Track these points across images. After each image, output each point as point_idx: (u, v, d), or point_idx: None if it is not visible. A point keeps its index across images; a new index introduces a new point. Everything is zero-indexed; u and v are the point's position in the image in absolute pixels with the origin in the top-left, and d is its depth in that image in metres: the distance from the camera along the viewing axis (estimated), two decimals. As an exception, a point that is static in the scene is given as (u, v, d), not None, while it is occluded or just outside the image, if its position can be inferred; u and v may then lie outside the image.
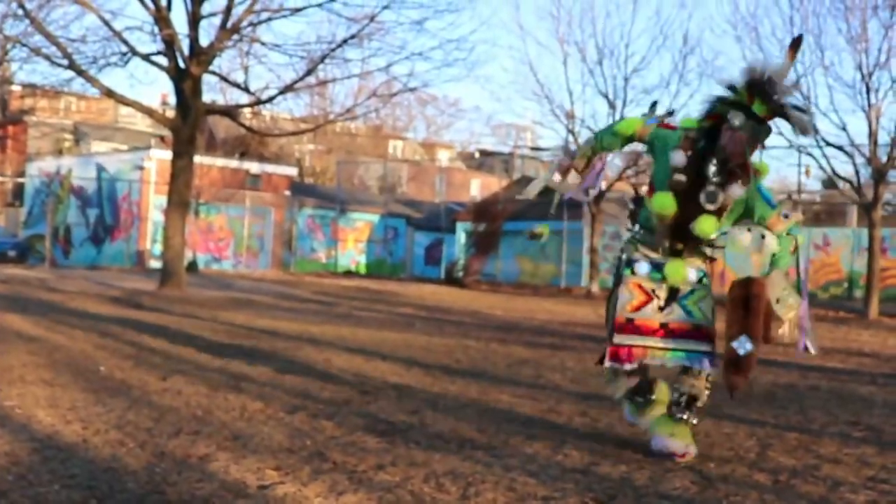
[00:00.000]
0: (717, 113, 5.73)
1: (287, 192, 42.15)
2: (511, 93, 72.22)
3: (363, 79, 27.40)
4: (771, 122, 5.72)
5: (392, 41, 31.23)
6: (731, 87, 5.71)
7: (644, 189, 6.10)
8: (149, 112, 25.39)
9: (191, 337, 12.15)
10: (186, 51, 22.17)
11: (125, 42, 22.18)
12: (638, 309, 5.87)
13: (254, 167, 42.19)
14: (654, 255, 5.98)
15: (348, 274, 39.76)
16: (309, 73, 23.73)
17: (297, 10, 22.97)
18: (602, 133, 6.45)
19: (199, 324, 14.13)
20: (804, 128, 5.76)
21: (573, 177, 6.42)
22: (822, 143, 24.45)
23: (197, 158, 26.19)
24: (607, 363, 5.89)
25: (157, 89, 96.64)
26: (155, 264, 33.42)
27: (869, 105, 23.64)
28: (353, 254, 43.85)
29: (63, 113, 53.34)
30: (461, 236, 38.62)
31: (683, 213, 5.75)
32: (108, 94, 22.95)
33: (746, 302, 5.73)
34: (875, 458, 5.91)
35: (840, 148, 24.75)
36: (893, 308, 24.95)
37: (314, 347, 11.43)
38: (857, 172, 24.64)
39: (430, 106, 65.11)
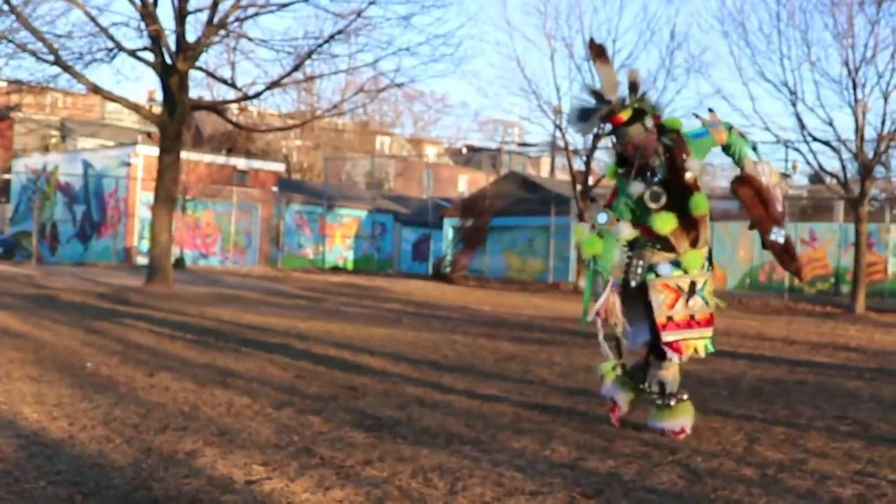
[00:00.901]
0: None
1: (274, 188, 42.07)
2: (498, 88, 72.44)
3: (350, 74, 27.42)
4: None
5: (379, 37, 31.36)
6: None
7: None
8: (135, 108, 25.30)
9: (178, 333, 12.13)
10: (173, 46, 22.11)
11: (111, 38, 22.11)
12: (672, 307, 6.27)
13: (241, 163, 42.09)
14: (669, 255, 6.36)
15: (336, 270, 39.71)
16: (296, 68, 23.68)
17: (284, 5, 22.92)
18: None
19: (187, 320, 14.11)
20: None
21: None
22: (808, 139, 24.52)
23: (184, 154, 26.15)
24: (678, 360, 6.28)
25: (143, 85, 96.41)
26: (142, 261, 33.31)
27: (855, 100, 23.70)
28: (340, 250, 43.78)
29: (49, 109, 53.17)
30: (448, 232, 38.60)
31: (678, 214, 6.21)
32: (95, 90, 22.86)
33: (760, 195, 6.23)
34: (862, 452, 5.92)
35: (827, 143, 24.80)
36: (880, 303, 25.05)
37: (301, 343, 11.42)
38: (843, 168, 24.71)
39: (418, 101, 65.30)
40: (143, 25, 21.98)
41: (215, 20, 22.01)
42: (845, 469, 5.43)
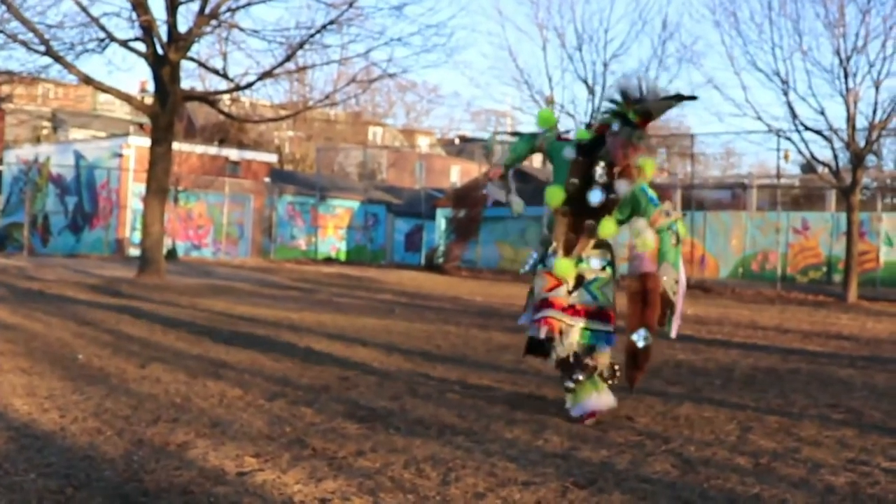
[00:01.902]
0: (604, 123, 6.56)
1: (267, 179, 42.03)
2: (490, 78, 72.34)
3: (342, 65, 27.28)
4: (645, 127, 6.43)
5: (371, 27, 31.24)
6: (614, 101, 6.46)
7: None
8: (127, 99, 25.20)
9: (170, 324, 12.11)
10: (165, 37, 22.04)
11: (103, 28, 22.03)
12: (551, 290, 6.52)
13: (233, 154, 42.03)
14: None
15: (328, 261, 39.67)
16: (288, 59, 23.61)
17: (276, -5, 22.87)
18: (518, 144, 7.22)
19: (179, 311, 14.08)
20: (665, 106, 6.54)
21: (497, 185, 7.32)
22: (800, 128, 24.53)
23: (176, 145, 26.11)
24: (544, 335, 6.43)
25: (135, 76, 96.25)
26: (134, 252, 33.27)
27: (847, 89, 23.69)
28: (333, 241, 43.74)
29: (41, 100, 53.07)
30: (441, 222, 38.58)
31: (577, 210, 6.55)
32: (86, 80, 22.79)
33: (644, 296, 6.43)
34: (854, 440, 5.93)
35: (818, 132, 24.79)
36: (872, 292, 25.08)
37: (294, 334, 11.41)
38: (835, 157, 24.71)
39: (410, 92, 65.13)
40: (134, 16, 21.89)
41: (207, 10, 21.95)
42: (838, 457, 5.43)
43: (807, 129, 24.57)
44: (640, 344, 6.33)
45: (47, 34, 21.70)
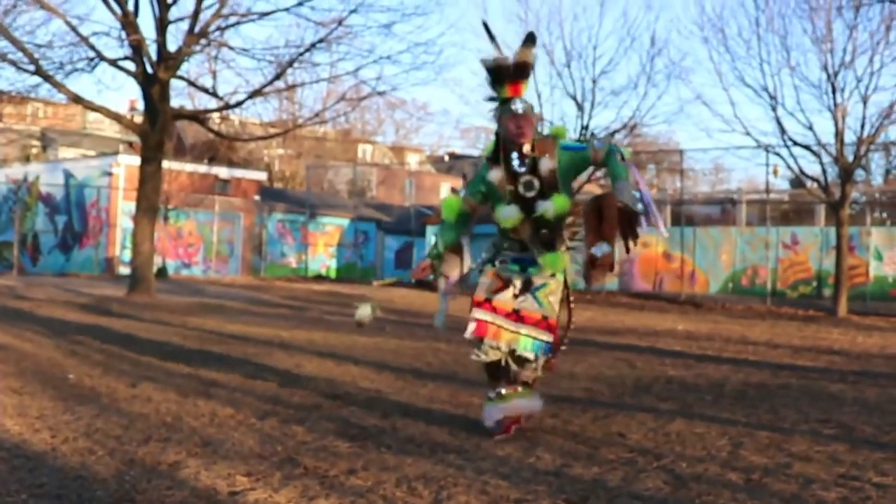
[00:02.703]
0: (498, 118, 6.45)
1: (256, 197, 42.01)
2: (480, 96, 72.19)
3: (332, 83, 27.38)
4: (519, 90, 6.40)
5: (360, 45, 31.38)
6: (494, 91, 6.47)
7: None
8: (116, 118, 25.25)
9: (160, 343, 12.09)
10: (154, 56, 22.09)
11: (92, 47, 22.07)
12: (496, 292, 6.43)
13: (223, 172, 42.00)
14: (517, 255, 6.56)
15: (319, 278, 39.62)
16: (277, 77, 23.68)
17: (265, 14, 22.93)
18: (443, 233, 6.93)
19: (169, 330, 14.06)
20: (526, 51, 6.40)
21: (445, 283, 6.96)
22: (789, 143, 24.63)
23: (165, 164, 26.08)
24: (469, 335, 6.42)
25: (124, 95, 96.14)
26: (124, 271, 33.18)
27: (835, 104, 23.79)
28: (323, 258, 43.69)
29: (30, 119, 52.91)
30: (431, 239, 38.47)
31: (526, 213, 6.38)
32: (76, 99, 22.82)
33: (599, 212, 6.25)
34: (846, 455, 5.93)
35: (807, 147, 24.91)
36: (862, 306, 25.11)
37: (285, 352, 11.40)
38: (824, 171, 24.82)
39: (399, 109, 65.22)
40: (124, 35, 21.94)
41: (196, 29, 22.01)
42: (830, 472, 5.44)
43: (795, 144, 24.69)
44: (598, 254, 6.12)
45: (37, 53, 21.75)
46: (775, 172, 31.77)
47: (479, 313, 6.39)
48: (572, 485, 5.05)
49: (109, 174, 38.06)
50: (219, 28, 22.74)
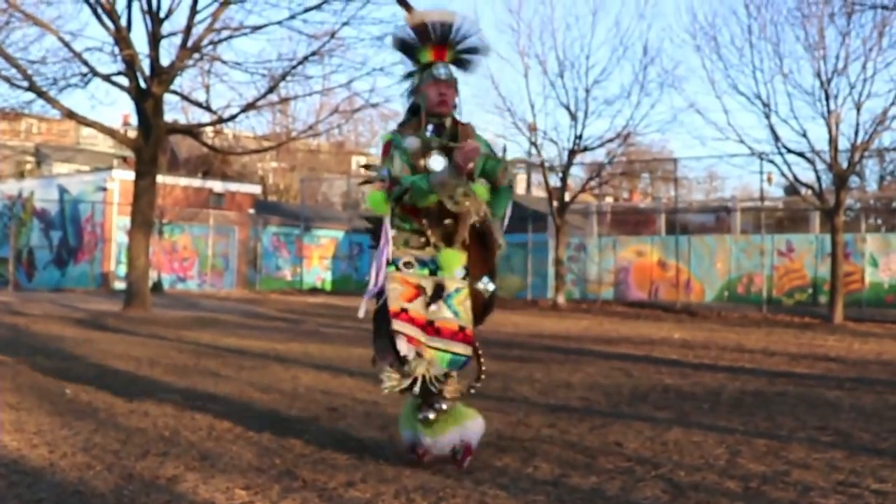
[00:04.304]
0: (416, 87, 5.87)
1: (251, 211, 42.02)
2: (473, 106, 72.10)
3: (325, 95, 27.44)
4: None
5: (353, 57, 31.34)
6: (409, 50, 5.87)
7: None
8: (110, 133, 25.28)
9: (157, 357, 12.08)
10: (147, 71, 22.11)
11: (85, 63, 22.11)
12: (410, 301, 5.62)
13: (217, 186, 42.04)
14: (417, 253, 5.74)
15: (314, 291, 39.64)
16: (270, 90, 23.70)
17: (258, 27, 22.96)
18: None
19: (165, 344, 14.05)
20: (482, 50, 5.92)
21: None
22: (783, 150, 24.69)
23: (159, 178, 26.10)
24: (406, 351, 5.52)
25: (118, 110, 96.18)
26: (119, 285, 33.18)
27: (828, 111, 23.87)
28: (318, 271, 43.68)
29: (24, 135, 53.00)
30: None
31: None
32: (70, 115, 22.85)
33: (483, 240, 5.85)
34: (844, 462, 5.93)
35: (801, 154, 25.00)
36: (858, 312, 25.15)
37: (281, 365, 11.39)
38: (818, 178, 24.89)
39: (393, 121, 65.08)
40: (117, 50, 21.98)
41: (189, 44, 22.04)
42: (828, 479, 5.44)
43: (789, 151, 24.79)
44: (490, 288, 5.84)
45: (30, 70, 21.79)
46: (769, 180, 31.94)
47: (401, 325, 5.55)
48: (570, 494, 5.05)
49: (104, 189, 38.06)
50: (211, 42, 22.79)
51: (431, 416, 5.60)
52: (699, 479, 5.42)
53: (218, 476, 5.37)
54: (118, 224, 36.12)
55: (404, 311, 5.56)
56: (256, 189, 46.14)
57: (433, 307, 5.64)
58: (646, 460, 5.94)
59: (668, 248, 31.34)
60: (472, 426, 5.73)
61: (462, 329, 5.69)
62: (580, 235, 34.26)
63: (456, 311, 5.68)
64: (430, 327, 5.61)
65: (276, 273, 42.24)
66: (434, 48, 5.80)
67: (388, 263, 5.68)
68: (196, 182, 41.86)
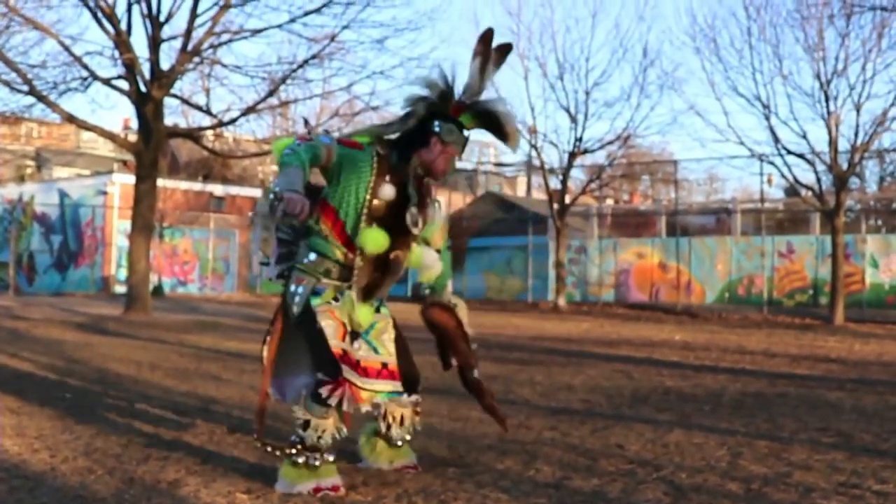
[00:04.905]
0: (418, 121, 5.31)
1: (251, 214, 41.99)
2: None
3: (325, 99, 27.45)
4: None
5: (353, 60, 31.38)
6: (433, 96, 5.31)
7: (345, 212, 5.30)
8: (110, 136, 25.27)
9: (157, 361, 12.07)
10: (147, 74, 22.13)
11: (86, 67, 22.13)
12: (343, 339, 5.19)
13: (217, 189, 42.07)
14: (337, 284, 5.29)
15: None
16: (271, 94, 23.72)
17: (258, 31, 22.98)
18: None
19: (166, 348, 14.05)
20: (514, 136, 5.41)
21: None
22: (783, 152, 24.69)
23: (160, 182, 26.10)
24: (334, 400, 5.05)
25: (118, 114, 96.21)
26: (120, 289, 33.23)
27: (828, 113, 23.87)
28: (319, 274, 43.65)
29: (24, 139, 53.05)
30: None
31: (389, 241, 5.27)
32: (70, 119, 22.85)
33: (460, 329, 5.90)
34: (845, 463, 5.93)
35: (801, 156, 24.99)
36: (858, 313, 25.14)
37: (282, 368, 11.37)
38: (818, 180, 24.87)
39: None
40: (117, 54, 22.01)
41: (189, 47, 22.06)
42: (829, 481, 5.43)
43: (789, 152, 24.78)
44: (478, 377, 5.83)
45: (30, 74, 21.81)
46: (770, 181, 31.91)
47: (347, 373, 5.11)
48: (572, 497, 5.05)
49: (104, 193, 38.10)
50: (211, 46, 22.82)
51: (300, 460, 5.12)
52: (701, 481, 5.42)
53: (219, 480, 5.37)
54: (119, 228, 36.16)
55: (346, 352, 5.15)
56: (257, 192, 46.07)
57: (356, 344, 5.27)
58: (647, 462, 5.93)
59: (668, 250, 31.32)
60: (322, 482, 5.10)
61: (385, 366, 5.42)
62: (580, 238, 34.23)
63: (374, 346, 5.40)
64: (359, 367, 5.23)
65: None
66: (455, 106, 5.33)
67: (314, 294, 5.24)
68: (196, 185, 41.88)
